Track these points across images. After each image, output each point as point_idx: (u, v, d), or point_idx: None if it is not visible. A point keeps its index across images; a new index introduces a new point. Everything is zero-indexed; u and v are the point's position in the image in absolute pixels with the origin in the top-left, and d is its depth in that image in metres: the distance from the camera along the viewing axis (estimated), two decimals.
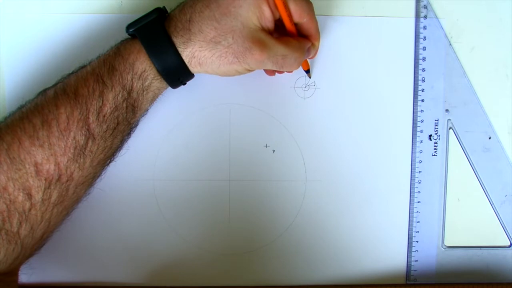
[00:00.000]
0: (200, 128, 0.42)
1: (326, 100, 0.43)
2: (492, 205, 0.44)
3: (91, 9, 0.41)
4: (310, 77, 0.43)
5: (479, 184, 0.44)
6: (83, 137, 0.34)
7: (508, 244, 0.45)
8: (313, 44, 0.39)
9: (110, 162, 0.38)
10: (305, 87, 0.43)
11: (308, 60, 0.42)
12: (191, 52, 0.35)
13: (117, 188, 0.42)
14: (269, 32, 0.36)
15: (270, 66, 0.36)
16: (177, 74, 0.36)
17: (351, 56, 0.43)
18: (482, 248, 0.45)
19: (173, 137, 0.42)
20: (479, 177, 0.44)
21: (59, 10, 0.41)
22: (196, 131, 0.42)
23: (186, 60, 0.35)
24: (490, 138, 0.44)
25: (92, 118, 0.34)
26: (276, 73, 0.42)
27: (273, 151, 0.43)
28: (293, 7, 0.36)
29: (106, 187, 0.42)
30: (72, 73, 0.36)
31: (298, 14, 0.36)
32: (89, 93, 0.34)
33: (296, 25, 0.37)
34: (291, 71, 0.41)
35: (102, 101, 0.34)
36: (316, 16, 0.38)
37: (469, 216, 0.45)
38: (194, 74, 0.37)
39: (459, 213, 0.44)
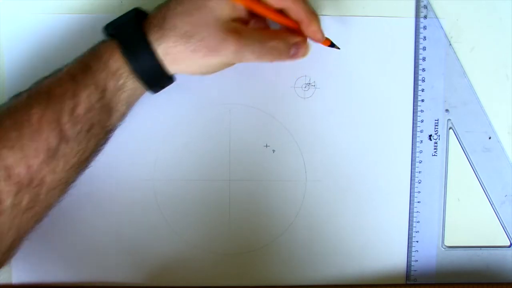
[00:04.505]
0: (200, 128, 0.42)
1: (326, 100, 0.43)
2: (492, 205, 0.44)
3: (91, 9, 0.41)
4: (339, 48, 0.41)
5: (479, 184, 0.44)
6: (56, 139, 0.33)
7: (508, 244, 0.45)
8: (307, 34, 0.37)
9: (84, 168, 0.37)
10: (305, 87, 0.43)
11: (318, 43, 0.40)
12: (165, 49, 0.34)
13: (117, 188, 0.42)
14: (247, 22, 0.36)
15: (249, 56, 0.35)
16: (152, 73, 0.35)
17: (351, 56, 0.43)
18: (482, 248, 0.45)
19: (173, 137, 0.42)
20: (479, 177, 0.44)
21: (59, 10, 0.41)
22: (196, 131, 0.42)
23: (161, 57, 0.34)
24: (490, 138, 0.44)
25: (65, 118, 0.33)
26: (275, 73, 0.42)
27: (273, 151, 0.43)
28: None
29: (106, 187, 0.42)
30: (48, 76, 0.35)
31: (273, 2, 0.35)
32: (62, 93, 0.33)
33: (284, 12, 0.36)
34: (279, 60, 0.39)
35: (76, 101, 0.33)
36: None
37: (469, 216, 0.45)
38: (173, 78, 0.37)
39: (459, 213, 0.44)
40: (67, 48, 0.41)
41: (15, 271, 0.42)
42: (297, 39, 0.37)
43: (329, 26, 0.42)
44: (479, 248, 0.45)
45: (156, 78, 0.36)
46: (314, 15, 0.37)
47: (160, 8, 0.35)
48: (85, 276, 0.43)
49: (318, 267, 0.44)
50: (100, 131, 0.35)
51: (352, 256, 0.44)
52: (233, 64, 0.37)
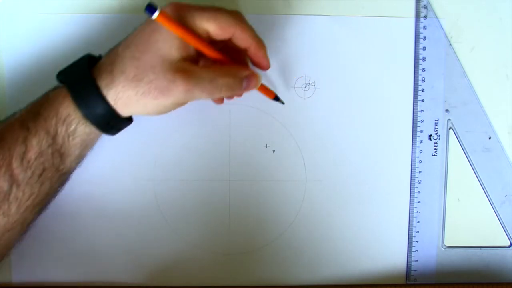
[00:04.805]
0: (200, 128, 0.42)
1: (326, 100, 0.43)
2: (492, 205, 0.44)
3: (91, 9, 0.41)
4: (283, 103, 0.42)
5: (479, 184, 0.44)
6: (6, 183, 0.33)
7: (508, 244, 0.45)
8: (256, 60, 0.38)
9: (42, 209, 0.37)
10: (305, 87, 0.43)
11: (268, 89, 0.41)
12: (115, 94, 0.34)
13: (117, 188, 0.42)
14: (195, 59, 0.35)
15: (199, 94, 0.35)
16: (104, 118, 0.35)
17: (351, 56, 0.43)
18: (482, 248, 0.45)
19: (173, 137, 0.42)
20: (479, 177, 0.44)
21: (59, 10, 0.41)
22: (196, 131, 0.42)
23: (111, 102, 0.34)
24: (490, 138, 0.44)
25: (15, 163, 0.33)
26: (275, 73, 0.42)
27: (273, 151, 0.43)
28: (210, 26, 0.34)
29: (106, 187, 0.42)
30: (1, 121, 0.36)
31: (219, 31, 0.35)
32: (13, 138, 0.34)
33: (230, 41, 0.36)
34: (229, 98, 0.39)
35: (26, 146, 0.34)
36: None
37: (469, 216, 0.45)
38: (131, 119, 0.37)
39: (459, 213, 0.44)
40: (67, 48, 0.41)
41: (15, 271, 0.42)
42: (247, 72, 0.37)
43: (329, 26, 0.42)
44: (479, 248, 0.45)
45: (110, 122, 0.36)
46: (261, 42, 0.37)
47: (109, 53, 0.36)
48: (85, 276, 0.43)
49: (318, 267, 0.44)
50: (53, 174, 0.36)
51: (352, 256, 0.44)
52: (186, 102, 0.36)
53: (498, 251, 0.45)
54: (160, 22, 0.33)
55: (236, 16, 0.36)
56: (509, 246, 0.45)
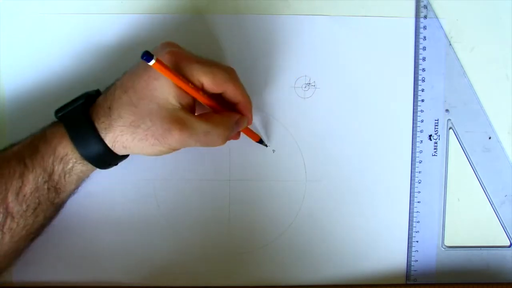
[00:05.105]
0: None
1: (326, 100, 0.43)
2: (492, 205, 0.44)
3: (91, 9, 0.41)
4: (267, 146, 0.42)
5: (479, 184, 0.44)
6: (1, 215, 0.34)
7: (508, 244, 0.45)
8: (243, 114, 0.39)
9: (36, 237, 0.38)
10: (305, 87, 0.43)
11: (251, 131, 0.41)
12: (113, 137, 0.35)
13: (117, 188, 0.42)
14: (192, 106, 0.36)
15: (193, 144, 0.36)
16: (102, 157, 0.36)
17: (351, 56, 0.43)
18: (482, 248, 0.45)
19: None
20: (479, 177, 0.44)
21: (59, 10, 0.41)
22: None
23: (109, 145, 0.35)
24: (490, 138, 0.44)
25: (11, 197, 0.34)
26: (275, 73, 0.42)
27: (273, 151, 0.43)
28: (206, 80, 0.35)
29: (106, 187, 0.42)
30: (1, 150, 0.36)
31: (213, 86, 0.36)
32: (10, 173, 0.34)
33: (221, 94, 0.37)
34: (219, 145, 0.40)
35: (22, 181, 0.35)
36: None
37: (469, 216, 0.45)
38: (127, 154, 0.38)
39: (459, 213, 0.44)
40: (67, 48, 0.41)
41: (16, 270, 0.42)
42: (237, 117, 0.38)
43: (329, 26, 0.42)
44: (479, 248, 0.45)
45: (107, 161, 0.37)
46: (249, 100, 0.39)
47: (106, 95, 0.36)
48: (85, 276, 0.43)
49: (318, 267, 0.44)
50: (48, 207, 0.37)
51: (352, 256, 0.44)
52: (183, 148, 0.37)
53: (498, 251, 0.45)
54: (156, 69, 0.33)
55: (231, 73, 0.37)
56: (509, 246, 0.45)
